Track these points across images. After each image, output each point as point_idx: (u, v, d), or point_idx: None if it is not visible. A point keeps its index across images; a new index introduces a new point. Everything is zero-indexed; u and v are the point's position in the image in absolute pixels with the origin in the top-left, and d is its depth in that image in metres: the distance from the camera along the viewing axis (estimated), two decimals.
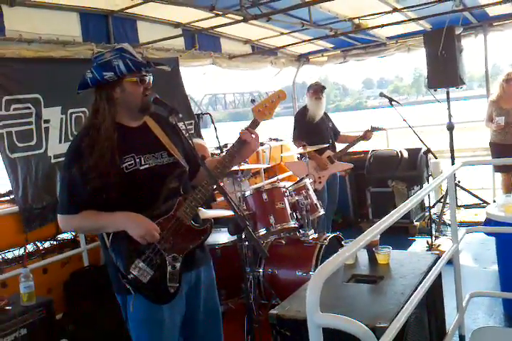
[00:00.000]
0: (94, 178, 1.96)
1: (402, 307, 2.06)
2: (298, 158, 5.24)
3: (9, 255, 3.67)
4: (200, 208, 2.68)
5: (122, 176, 2.00)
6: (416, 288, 2.28)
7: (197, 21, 5.25)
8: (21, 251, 3.71)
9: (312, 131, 4.94)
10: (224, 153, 2.20)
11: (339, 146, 5.20)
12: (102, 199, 2.01)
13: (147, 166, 2.07)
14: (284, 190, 3.81)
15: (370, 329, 1.85)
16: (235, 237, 3.00)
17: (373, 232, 1.84)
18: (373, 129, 4.96)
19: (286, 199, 3.77)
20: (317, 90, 4.97)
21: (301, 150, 4.56)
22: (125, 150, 2.04)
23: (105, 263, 2.16)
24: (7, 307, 2.82)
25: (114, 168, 1.99)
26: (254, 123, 2.19)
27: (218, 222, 3.56)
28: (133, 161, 2.04)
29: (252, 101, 2.19)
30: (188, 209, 2.07)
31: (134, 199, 2.03)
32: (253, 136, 2.17)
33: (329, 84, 64.43)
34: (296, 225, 3.73)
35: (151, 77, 2.12)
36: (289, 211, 3.73)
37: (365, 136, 4.94)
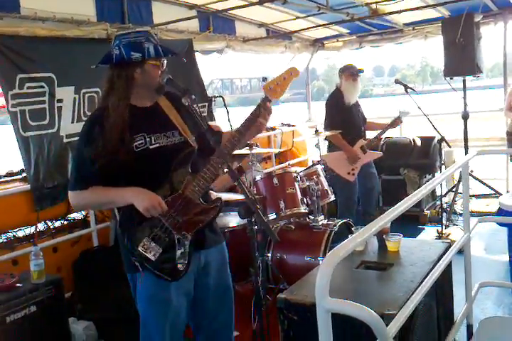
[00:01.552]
0: (105, 156, 1.99)
1: (411, 295, 2.06)
2: (327, 147, 4.94)
3: (20, 233, 3.71)
4: (212, 191, 2.69)
5: (132, 155, 2.03)
6: (426, 276, 2.27)
7: (212, 3, 5.19)
8: (32, 229, 3.74)
9: (346, 117, 4.72)
10: (233, 131, 2.16)
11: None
12: (111, 178, 2.04)
13: (157, 145, 2.10)
14: (295, 175, 3.79)
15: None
16: (244, 221, 2.99)
17: (385, 219, 1.82)
18: (401, 115, 4.70)
19: (296, 184, 3.75)
20: (354, 72, 4.74)
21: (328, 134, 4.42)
22: (136, 129, 2.06)
23: (117, 242, 2.19)
24: (18, 285, 2.85)
25: (124, 146, 2.01)
26: (265, 102, 2.14)
27: (228, 205, 3.56)
28: (143, 140, 2.07)
29: (264, 79, 2.15)
30: (197, 188, 2.08)
31: (143, 178, 2.06)
32: (265, 115, 2.14)
33: (337, 71, 63.87)
34: (306, 210, 3.72)
35: (165, 61, 2.16)
36: (299, 196, 3.72)
37: (395, 123, 4.74)
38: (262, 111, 2.13)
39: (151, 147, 2.08)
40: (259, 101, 2.15)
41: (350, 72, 4.75)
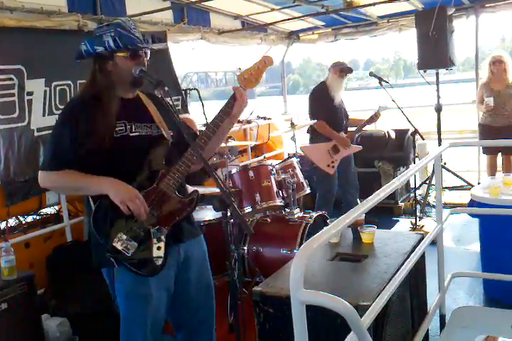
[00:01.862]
0: (84, 139, 1.97)
1: (385, 286, 2.07)
2: (309, 140, 4.97)
3: None
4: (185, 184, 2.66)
5: (112, 140, 2.01)
6: (399, 268, 2.29)
7: None
8: (3, 225, 3.66)
9: (329, 110, 4.75)
10: (209, 122, 2.16)
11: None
12: (86, 162, 2.01)
13: (137, 134, 2.10)
14: (271, 168, 3.79)
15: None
16: (219, 214, 2.98)
17: (358, 211, 1.83)
18: (380, 109, 4.77)
19: (272, 177, 3.76)
20: (344, 69, 4.76)
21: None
22: (117, 116, 2.05)
23: (89, 237, 2.15)
24: None
25: (106, 130, 2.00)
26: (239, 92, 2.13)
27: (203, 199, 3.54)
28: (123, 127, 2.07)
29: (239, 70, 2.14)
30: (172, 181, 2.06)
31: (118, 166, 2.04)
32: (240, 104, 2.13)
33: (312, 65, 64.22)
34: (282, 203, 3.73)
35: (148, 52, 2.14)
36: (275, 189, 3.73)
37: (375, 117, 4.79)
38: (236, 101, 2.12)
39: (131, 134, 2.08)
40: (233, 91, 2.14)
41: (339, 69, 4.78)
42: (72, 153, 1.99)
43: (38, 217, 3.96)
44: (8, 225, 3.65)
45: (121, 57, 2.06)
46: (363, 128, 5.00)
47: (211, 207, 3.12)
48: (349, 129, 5.00)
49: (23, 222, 3.85)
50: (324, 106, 4.74)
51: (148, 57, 2.14)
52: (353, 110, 6.55)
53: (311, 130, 4.87)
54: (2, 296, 2.77)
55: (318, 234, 1.54)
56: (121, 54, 2.06)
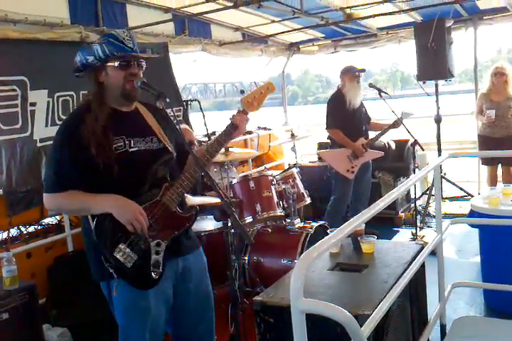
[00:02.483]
0: (84, 158, 1.96)
1: (385, 296, 2.08)
2: (329, 147, 5.03)
3: None
4: (186, 195, 2.68)
5: (111, 156, 1.99)
6: (399, 277, 2.30)
7: (187, 6, 5.19)
8: (5, 235, 3.67)
9: (348, 117, 4.78)
10: (211, 141, 2.19)
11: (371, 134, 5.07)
12: (88, 180, 2.00)
13: (136, 149, 2.08)
14: (271, 178, 3.81)
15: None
16: (220, 225, 2.99)
17: (358, 221, 1.85)
18: (404, 115, 4.75)
19: (273, 187, 3.78)
20: (357, 73, 4.79)
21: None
22: (115, 132, 2.04)
23: (86, 248, 2.14)
24: None
25: (104, 148, 1.98)
26: (243, 114, 2.18)
27: (205, 210, 3.56)
28: (123, 143, 2.05)
29: (242, 92, 2.18)
30: (174, 196, 2.07)
31: (120, 182, 2.02)
32: (245, 120, 2.18)
33: (310, 77, 64.47)
34: (283, 214, 3.74)
35: (143, 63, 2.11)
36: (275, 199, 3.74)
37: (397, 124, 4.79)
38: (239, 121, 2.16)
39: (130, 150, 2.06)
40: (237, 112, 2.19)
41: (352, 74, 4.82)
42: (74, 172, 1.99)
43: (39, 227, 3.97)
44: (10, 235, 3.66)
45: (112, 66, 2.04)
46: (383, 135, 4.99)
47: (211, 217, 3.15)
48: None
49: (25, 232, 3.86)
50: (340, 114, 4.78)
51: (143, 69, 2.11)
52: None
53: (330, 137, 4.95)
54: (4, 306, 2.77)
55: (317, 243, 1.56)
56: (111, 63, 2.03)
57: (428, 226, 5.37)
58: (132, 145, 2.07)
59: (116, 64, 2.04)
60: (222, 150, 3.61)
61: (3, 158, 3.62)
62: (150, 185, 2.07)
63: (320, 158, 5.50)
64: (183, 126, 4.14)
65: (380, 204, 2.04)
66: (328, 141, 5.03)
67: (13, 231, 3.74)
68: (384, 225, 5.53)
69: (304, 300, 1.39)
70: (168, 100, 2.05)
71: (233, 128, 2.16)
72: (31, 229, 3.92)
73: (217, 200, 3.54)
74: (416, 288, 2.65)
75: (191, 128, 4.76)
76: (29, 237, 3.84)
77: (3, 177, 3.60)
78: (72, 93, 4.11)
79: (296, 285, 1.39)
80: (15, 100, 3.76)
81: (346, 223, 1.77)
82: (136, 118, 2.16)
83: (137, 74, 2.08)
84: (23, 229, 3.85)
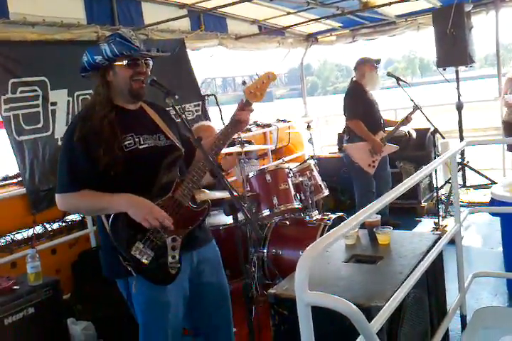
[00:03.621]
0: (96, 156, 1.98)
1: (398, 287, 2.07)
2: (345, 139, 4.95)
3: (18, 236, 3.74)
4: (204, 190, 2.72)
5: (122, 155, 2.01)
6: (414, 268, 2.29)
7: (202, 2, 5.20)
8: (30, 232, 3.78)
9: (368, 109, 4.75)
10: (217, 135, 2.20)
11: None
12: (101, 179, 2.02)
13: (146, 146, 2.10)
14: (288, 171, 3.81)
15: (365, 309, 1.89)
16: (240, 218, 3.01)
17: (368, 212, 1.84)
18: (415, 109, 4.72)
19: (289, 180, 3.78)
20: (375, 63, 4.78)
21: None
22: (124, 129, 2.06)
23: (102, 246, 2.18)
24: (15, 287, 2.89)
25: (115, 146, 2.01)
26: (247, 105, 2.18)
27: (221, 204, 3.58)
28: (132, 140, 2.07)
29: (244, 83, 2.18)
30: (186, 191, 2.09)
31: (132, 179, 2.05)
32: (248, 115, 2.18)
33: (329, 67, 63.88)
34: (300, 206, 3.75)
35: (150, 62, 2.13)
36: (292, 192, 3.75)
37: (409, 118, 4.77)
38: (244, 111, 2.16)
39: (140, 147, 2.08)
40: (239, 104, 2.19)
41: (371, 64, 4.79)
42: (88, 172, 1.99)
43: (63, 224, 4.06)
44: (35, 232, 3.76)
45: (120, 65, 2.06)
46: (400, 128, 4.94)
47: None
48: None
49: (49, 229, 3.95)
50: (361, 106, 4.72)
51: (150, 67, 2.13)
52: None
53: (348, 130, 4.86)
54: (29, 301, 2.87)
55: (323, 236, 1.57)
56: (119, 62, 2.05)
57: (451, 216, 5.29)
58: (142, 142, 2.09)
59: (125, 63, 2.06)
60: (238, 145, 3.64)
61: (26, 158, 3.72)
62: (161, 181, 2.10)
63: (340, 149, 5.41)
64: (206, 123, 4.16)
65: (392, 195, 2.04)
66: (345, 133, 4.95)
67: (38, 229, 3.84)
68: (407, 215, 5.50)
69: (309, 293, 1.40)
70: (177, 97, 2.07)
71: (237, 123, 2.17)
72: (55, 226, 4.01)
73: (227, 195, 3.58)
74: (434, 279, 2.63)
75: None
76: (53, 234, 3.94)
77: (27, 176, 3.70)
78: (91, 91, 4.14)
79: (301, 277, 1.40)
80: (36, 100, 3.86)
81: (354, 215, 1.77)
82: (143, 116, 2.19)
83: (145, 72, 2.10)
84: (47, 226, 3.94)
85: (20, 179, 3.85)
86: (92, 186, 2.02)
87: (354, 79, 4.92)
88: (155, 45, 4.02)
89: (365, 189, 4.77)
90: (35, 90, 3.85)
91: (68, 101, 4.11)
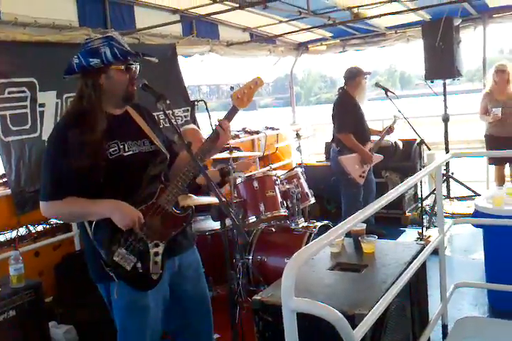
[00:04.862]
0: (80, 164, 1.95)
1: (382, 296, 2.09)
2: (335, 150, 4.93)
3: (1, 238, 3.70)
4: (190, 195, 2.72)
5: (107, 162, 2.00)
6: (398, 277, 2.31)
7: (195, 8, 5.23)
8: (13, 234, 3.74)
9: (359, 120, 4.79)
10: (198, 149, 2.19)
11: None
12: (85, 185, 2.00)
13: (131, 153, 2.09)
14: (275, 178, 3.84)
15: (349, 316, 1.91)
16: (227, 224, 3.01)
17: (353, 221, 1.87)
18: (396, 119, 4.83)
19: (277, 187, 3.79)
20: (366, 75, 4.84)
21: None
22: (109, 136, 2.04)
23: (85, 251, 2.17)
24: None
25: (99, 153, 1.99)
26: (234, 110, 2.19)
27: (208, 209, 3.59)
28: (117, 147, 2.06)
29: (231, 88, 2.19)
30: (170, 197, 2.09)
31: (117, 186, 2.04)
32: (224, 130, 2.16)
33: (313, 78, 64.43)
34: (286, 213, 3.76)
35: (138, 66, 2.13)
36: (279, 199, 3.76)
37: (392, 128, 4.85)
38: (220, 137, 2.16)
39: (125, 154, 2.07)
40: (227, 113, 2.20)
41: (363, 76, 4.84)
42: (72, 179, 1.97)
43: (47, 226, 4.03)
44: (19, 234, 3.73)
45: (116, 70, 2.04)
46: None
47: None
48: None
49: (33, 231, 3.92)
50: (352, 118, 4.75)
51: (138, 72, 2.12)
52: None
53: (338, 141, 4.86)
54: (10, 303, 2.84)
55: (309, 244, 1.59)
56: (116, 67, 2.04)
57: (435, 226, 5.35)
58: (127, 149, 2.08)
59: (123, 67, 2.05)
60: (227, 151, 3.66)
61: (12, 159, 3.69)
62: (146, 187, 2.10)
63: (328, 158, 5.44)
64: (191, 126, 4.18)
65: (377, 205, 2.05)
66: (335, 144, 4.94)
67: (22, 230, 3.80)
68: (392, 225, 5.55)
69: (295, 299, 1.41)
70: (168, 102, 2.07)
71: (217, 138, 2.16)
72: (39, 228, 3.98)
73: (216, 200, 3.58)
74: (417, 289, 2.66)
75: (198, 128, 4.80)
76: (37, 236, 3.90)
77: (12, 177, 3.67)
78: None
79: (287, 284, 1.42)
80: (24, 101, 3.83)
81: (340, 223, 1.79)
82: (127, 121, 2.16)
83: (137, 76, 2.11)
84: (31, 228, 3.91)
85: (5, 180, 3.82)
86: (76, 193, 2.00)
87: (345, 88, 4.91)
88: (145, 50, 4.03)
89: (354, 199, 4.80)
90: (24, 91, 3.83)
91: (57, 103, 4.09)
